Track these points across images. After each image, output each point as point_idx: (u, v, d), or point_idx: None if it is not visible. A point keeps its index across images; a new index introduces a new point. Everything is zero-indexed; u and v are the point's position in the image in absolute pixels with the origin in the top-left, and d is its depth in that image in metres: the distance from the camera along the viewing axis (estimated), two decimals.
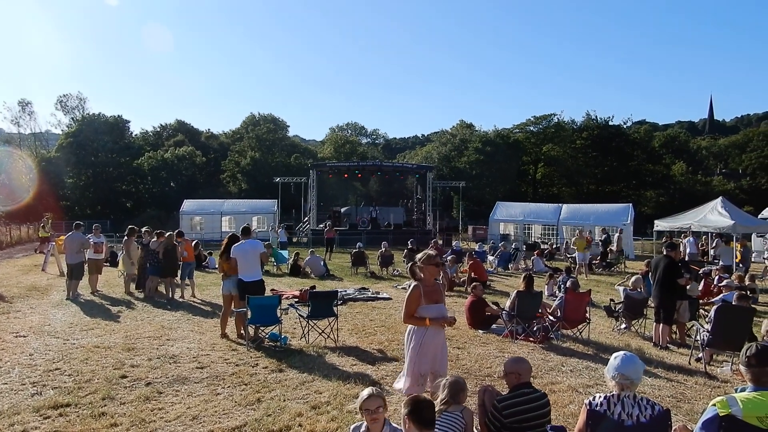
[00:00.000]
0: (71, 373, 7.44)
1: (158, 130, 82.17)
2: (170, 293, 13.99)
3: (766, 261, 21.77)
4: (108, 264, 17.59)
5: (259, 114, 77.14)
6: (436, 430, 4.13)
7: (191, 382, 7.14)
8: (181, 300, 13.83)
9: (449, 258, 17.74)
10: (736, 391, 3.59)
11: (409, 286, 5.73)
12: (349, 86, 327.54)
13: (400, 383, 5.78)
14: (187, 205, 38.24)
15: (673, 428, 3.83)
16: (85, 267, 14.36)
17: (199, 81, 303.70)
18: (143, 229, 16.27)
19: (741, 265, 18.24)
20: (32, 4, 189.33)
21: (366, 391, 4.13)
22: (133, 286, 15.00)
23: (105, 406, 6.22)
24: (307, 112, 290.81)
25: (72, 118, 65.60)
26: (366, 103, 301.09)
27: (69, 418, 5.88)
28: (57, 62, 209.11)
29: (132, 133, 72.49)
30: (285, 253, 21.69)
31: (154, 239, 14.44)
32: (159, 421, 5.84)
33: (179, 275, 14.43)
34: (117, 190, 62.34)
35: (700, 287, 13.03)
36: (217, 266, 19.90)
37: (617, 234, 26.36)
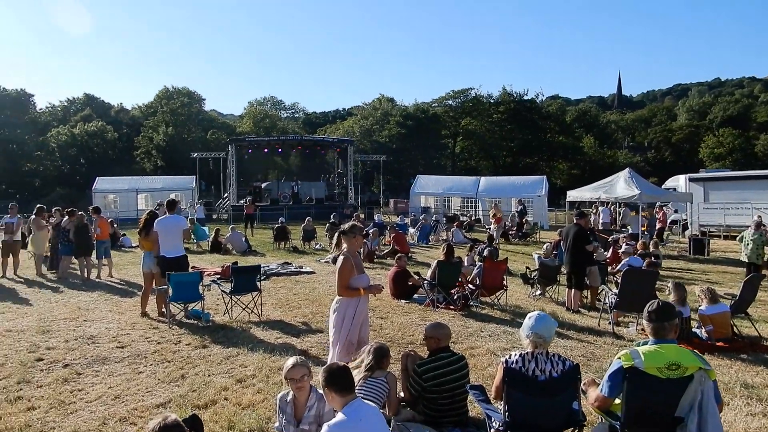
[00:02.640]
0: None
1: (66, 104, 78.20)
2: (85, 273, 13.50)
3: (668, 229, 23.14)
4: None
5: (174, 87, 74.41)
6: (360, 395, 4.26)
7: (111, 361, 6.98)
8: (97, 280, 13.37)
9: (372, 231, 17.92)
10: (638, 345, 3.87)
11: (336, 259, 5.79)
12: (268, 60, 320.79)
13: (331, 355, 5.83)
14: (100, 182, 36.69)
15: (582, 382, 4.09)
16: None
17: (109, 52, 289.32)
18: (54, 209, 15.59)
19: (646, 233, 19.27)
20: None
21: (290, 361, 4.22)
22: (45, 267, 14.40)
23: (21, 390, 6.01)
24: (224, 86, 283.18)
25: None
26: (285, 76, 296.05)
27: None
28: None
29: (37, 107, 68.67)
30: (205, 230, 21.27)
31: (65, 218, 13.87)
32: (79, 402, 5.70)
33: (94, 254, 13.93)
34: (22, 169, 59.02)
35: (608, 254, 13.74)
36: (132, 245, 19.49)
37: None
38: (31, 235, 14.62)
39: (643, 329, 8.79)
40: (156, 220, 9.55)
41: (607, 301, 9.30)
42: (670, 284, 8.38)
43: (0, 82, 79.20)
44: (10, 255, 14.02)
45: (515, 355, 4.03)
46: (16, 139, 58.26)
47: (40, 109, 70.65)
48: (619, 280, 9.19)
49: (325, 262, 16.07)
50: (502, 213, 21.46)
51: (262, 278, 10.45)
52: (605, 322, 9.16)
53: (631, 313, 9.29)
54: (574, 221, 10.65)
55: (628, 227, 20.89)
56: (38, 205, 15.09)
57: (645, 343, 3.86)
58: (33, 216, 14.57)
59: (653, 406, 3.64)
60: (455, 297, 10.35)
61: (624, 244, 14.46)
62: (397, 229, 19.28)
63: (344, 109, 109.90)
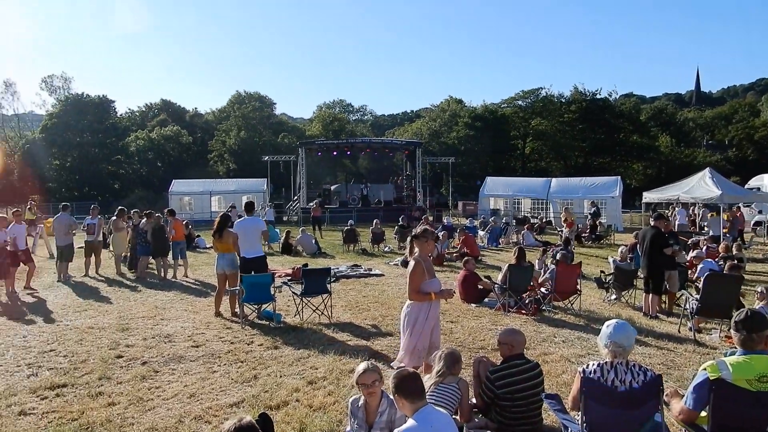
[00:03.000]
0: (66, 354, 7.47)
1: (144, 110, 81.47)
2: (162, 273, 13.98)
3: (752, 231, 22.04)
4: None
5: (245, 92, 76.47)
6: (432, 401, 4.20)
7: (187, 360, 7.18)
8: (173, 280, 13.82)
9: (441, 234, 17.84)
10: (725, 356, 3.67)
11: (406, 262, 5.78)
12: (336, 63, 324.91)
13: (401, 360, 5.79)
14: (176, 185, 38.03)
15: (665, 393, 3.91)
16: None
17: (185, 60, 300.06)
18: (133, 211, 16.23)
19: (728, 235, 18.43)
20: None
21: (362, 366, 4.20)
22: (124, 267, 15.00)
23: (102, 385, 6.26)
24: (294, 90, 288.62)
25: (57, 99, 64.72)
26: (354, 80, 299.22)
27: (66, 398, 5.92)
28: (41, 43, 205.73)
29: (117, 113, 71.72)
30: (276, 231, 21.68)
31: (143, 220, 14.42)
32: (156, 399, 5.89)
33: (170, 255, 14.40)
34: (103, 171, 61.73)
35: (689, 257, 13.18)
36: (206, 246, 20.07)
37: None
38: (111, 236, 15.26)
39: (727, 336, 8.39)
40: (235, 222, 9.87)
41: (687, 306, 8.90)
42: (759, 289, 7.95)
43: (85, 89, 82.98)
44: (92, 255, 14.69)
45: (593, 364, 3.88)
46: (98, 143, 60.95)
47: (120, 115, 73.70)
48: (700, 285, 8.79)
49: (394, 264, 16.09)
50: (574, 217, 20.89)
51: (331, 280, 10.54)
52: (686, 329, 8.77)
53: (714, 320, 8.89)
54: (651, 223, 10.27)
55: (708, 229, 20.03)
56: (118, 207, 15.75)
57: (732, 354, 3.67)
58: (113, 218, 15.21)
59: (742, 420, 3.46)
60: (527, 301, 10.15)
61: (704, 246, 13.88)
62: (467, 232, 19.10)
63: (413, 111, 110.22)
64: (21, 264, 12.63)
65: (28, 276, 12.76)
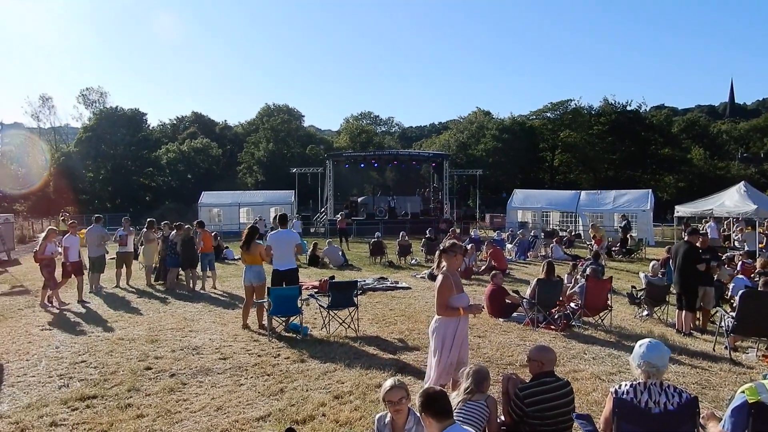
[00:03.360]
0: (97, 365, 7.55)
1: (175, 122, 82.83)
2: (191, 284, 14.10)
3: None
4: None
5: (274, 104, 77.43)
6: (460, 419, 4.13)
7: (214, 373, 7.20)
8: (202, 291, 13.93)
9: (468, 246, 17.72)
10: (764, 378, 3.55)
11: (433, 276, 5.73)
12: (363, 75, 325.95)
13: (429, 377, 5.71)
14: (206, 197, 38.47)
15: (701, 415, 3.79)
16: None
17: (215, 73, 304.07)
18: (163, 223, 16.43)
19: (765, 250, 18.01)
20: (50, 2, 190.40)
21: (388, 383, 4.13)
22: (153, 278, 15.16)
23: (131, 397, 6.31)
24: (322, 102, 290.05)
25: (93, 112, 66.15)
26: (381, 92, 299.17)
27: (96, 409, 5.97)
28: (76, 57, 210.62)
29: (149, 125, 72.94)
30: (304, 243, 21.75)
31: (173, 232, 14.57)
32: (184, 411, 5.91)
33: (199, 266, 14.52)
34: (135, 183, 62.84)
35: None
36: (234, 258, 20.21)
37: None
38: (142, 247, 15.46)
39: (764, 355, 8.17)
40: (269, 234, 9.93)
41: (722, 324, 8.68)
42: None
43: (119, 102, 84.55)
44: (124, 266, 14.89)
45: (626, 385, 3.78)
46: (131, 155, 62.07)
47: (152, 127, 74.93)
48: (736, 302, 8.57)
49: (421, 277, 16.02)
50: (602, 232, 20.56)
51: (358, 293, 10.51)
52: (721, 347, 8.56)
53: (750, 338, 8.66)
54: (685, 238, 10.07)
55: (744, 244, 19.60)
56: (149, 219, 15.95)
57: None
58: (144, 229, 15.41)
59: None
60: (556, 316, 10.00)
61: (740, 262, 13.59)
62: (494, 245, 18.95)
63: (440, 122, 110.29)
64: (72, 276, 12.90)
65: (78, 290, 12.92)
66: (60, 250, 12.35)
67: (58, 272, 12.63)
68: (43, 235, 12.52)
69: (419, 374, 6.73)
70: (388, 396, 4.04)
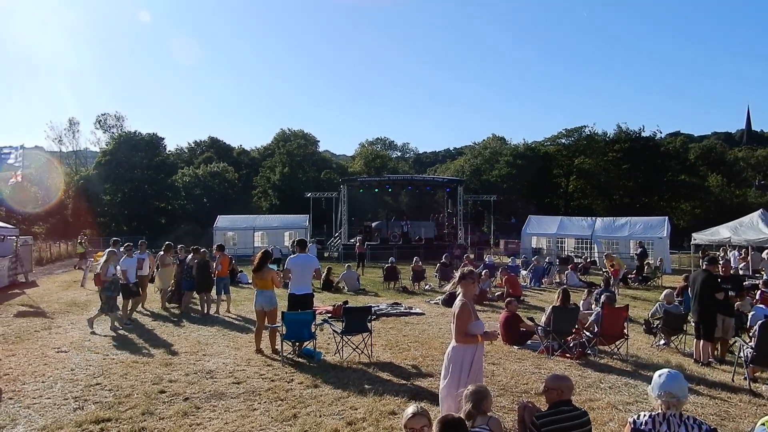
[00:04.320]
0: (111, 388, 7.56)
1: (192, 146, 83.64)
2: (205, 308, 14.11)
3: None
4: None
5: (290, 130, 78.10)
6: None
7: (228, 397, 7.19)
8: (216, 315, 13.94)
9: (483, 272, 17.64)
10: None
11: (447, 301, 5.71)
12: (378, 102, 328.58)
13: (447, 405, 5.63)
14: (221, 220, 38.74)
15: None
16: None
17: (232, 98, 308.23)
18: (179, 246, 16.51)
19: None
20: (68, 23, 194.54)
21: (410, 410, 4.05)
22: (168, 301, 15.18)
23: (144, 421, 6.30)
24: (338, 128, 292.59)
25: (110, 136, 67.00)
26: (396, 118, 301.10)
27: None
28: (95, 82, 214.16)
29: (166, 150, 73.73)
30: (319, 267, 21.69)
31: (190, 255, 14.64)
32: None
33: (214, 290, 14.54)
34: (152, 207, 63.31)
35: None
36: (248, 281, 20.22)
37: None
38: (158, 271, 15.53)
39: None
40: (288, 258, 9.98)
41: (741, 354, 8.54)
42: None
43: (136, 127, 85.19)
44: (139, 289, 14.93)
45: (645, 415, 3.73)
46: (148, 179, 62.66)
47: (170, 151, 75.70)
48: (755, 332, 8.43)
49: (435, 303, 15.94)
50: (618, 261, 20.37)
51: (372, 318, 10.48)
52: (740, 378, 8.42)
53: None
54: (703, 267, 9.97)
55: (764, 273, 19.34)
56: (166, 243, 16.03)
57: None
58: (161, 252, 15.51)
59: None
60: (572, 345, 9.90)
61: (760, 291, 13.40)
62: (509, 272, 18.84)
63: (455, 148, 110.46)
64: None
65: (130, 309, 13.25)
66: (119, 273, 12.57)
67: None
68: (104, 258, 12.65)
69: (433, 400, 6.66)
70: (410, 423, 3.95)
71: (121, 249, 14.57)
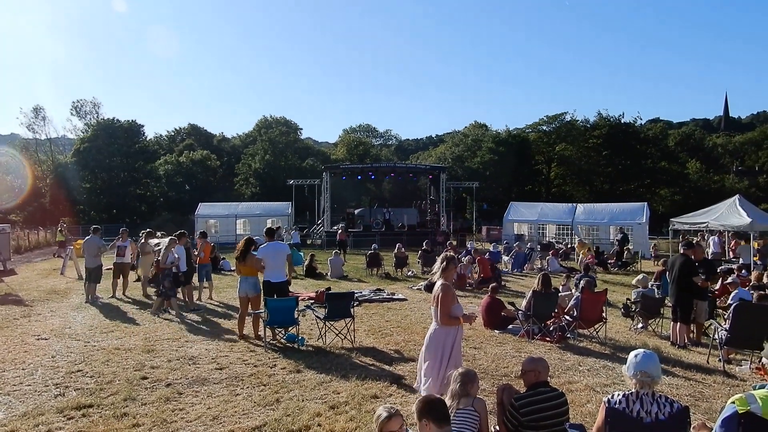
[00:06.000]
0: (93, 374, 7.55)
1: (172, 134, 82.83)
2: (186, 296, 14.06)
3: None
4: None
5: (272, 117, 77.64)
6: (453, 429, 4.16)
7: (210, 383, 7.22)
8: (198, 302, 13.92)
9: (466, 258, 17.77)
10: (754, 389, 3.59)
11: (428, 287, 5.78)
12: (361, 89, 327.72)
13: (428, 386, 5.71)
14: (202, 208, 38.48)
15: (692, 425, 3.83)
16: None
17: (212, 85, 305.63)
18: (159, 233, 16.42)
19: (759, 263, 18.10)
20: (46, 14, 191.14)
21: (383, 413, 3.89)
22: (150, 288, 15.13)
23: (127, 406, 6.31)
24: (320, 115, 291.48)
25: (86, 124, 66.00)
26: (378, 105, 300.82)
27: (92, 418, 5.98)
28: (74, 70, 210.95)
29: (146, 137, 72.89)
30: (301, 254, 21.74)
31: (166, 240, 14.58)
32: (180, 421, 5.92)
33: (196, 277, 14.51)
34: (131, 194, 62.55)
35: (717, 286, 12.96)
36: (231, 269, 20.18)
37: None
38: (139, 259, 15.46)
39: (758, 368, 8.21)
40: (260, 247, 10.02)
41: (716, 336, 8.74)
42: None
43: (115, 114, 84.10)
44: (121, 276, 14.89)
45: (618, 394, 3.83)
46: (127, 166, 61.90)
47: (149, 139, 74.82)
48: (729, 314, 8.62)
49: (417, 289, 16.04)
50: (588, 246, 20.66)
51: (355, 305, 10.54)
52: (715, 359, 8.61)
53: (744, 351, 8.71)
54: (681, 251, 10.14)
55: (738, 258, 19.69)
56: (147, 230, 15.94)
57: (762, 387, 3.59)
58: (142, 240, 15.42)
59: None
60: (551, 328, 10.05)
61: (736, 274, 13.64)
62: (482, 255, 18.96)
63: (437, 135, 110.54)
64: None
65: (189, 297, 13.42)
66: (176, 258, 12.47)
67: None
68: (165, 245, 12.55)
69: (415, 385, 6.75)
70: (387, 427, 3.81)
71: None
